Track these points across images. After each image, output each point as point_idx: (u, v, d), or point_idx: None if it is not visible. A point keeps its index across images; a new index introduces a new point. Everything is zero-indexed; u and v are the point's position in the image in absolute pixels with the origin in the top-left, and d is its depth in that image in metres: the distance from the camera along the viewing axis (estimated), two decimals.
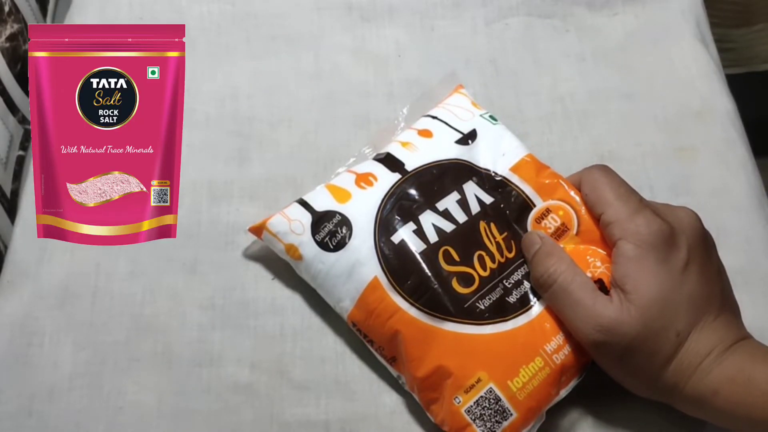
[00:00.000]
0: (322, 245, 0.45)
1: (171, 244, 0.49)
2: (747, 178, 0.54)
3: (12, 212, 0.56)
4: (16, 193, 0.59)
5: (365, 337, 0.45)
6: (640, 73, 0.58)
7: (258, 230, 0.48)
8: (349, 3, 0.60)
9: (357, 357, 0.46)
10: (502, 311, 0.43)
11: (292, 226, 0.46)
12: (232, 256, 0.49)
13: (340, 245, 0.45)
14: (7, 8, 0.60)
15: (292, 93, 0.56)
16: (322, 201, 0.47)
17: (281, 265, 0.48)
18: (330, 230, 0.45)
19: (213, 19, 0.59)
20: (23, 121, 0.61)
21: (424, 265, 0.44)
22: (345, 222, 0.45)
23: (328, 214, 0.46)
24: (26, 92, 0.62)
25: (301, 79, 0.57)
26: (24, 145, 0.61)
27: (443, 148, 0.48)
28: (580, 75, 0.58)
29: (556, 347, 0.42)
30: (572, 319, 0.42)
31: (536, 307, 0.44)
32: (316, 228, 0.46)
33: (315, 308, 0.48)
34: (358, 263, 0.44)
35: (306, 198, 0.47)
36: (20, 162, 0.60)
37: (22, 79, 0.61)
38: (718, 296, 0.42)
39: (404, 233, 0.45)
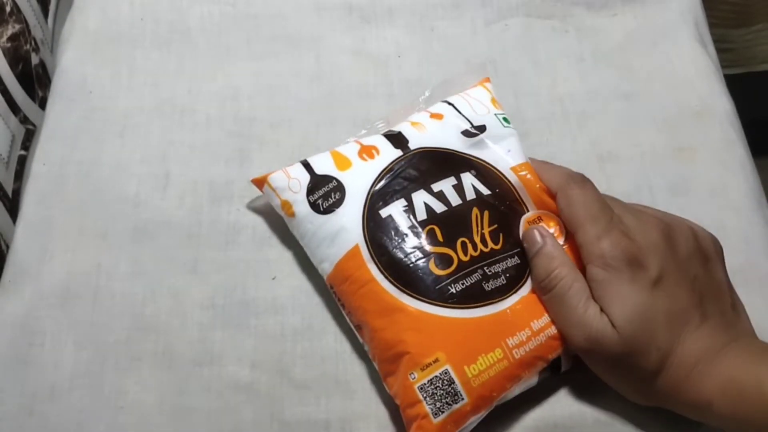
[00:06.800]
0: (314, 206, 0.46)
1: (172, 244, 0.49)
2: (746, 178, 0.54)
3: (14, 212, 0.56)
4: (17, 192, 0.59)
5: (338, 301, 0.46)
6: (639, 73, 0.58)
7: (260, 182, 0.49)
8: (349, 4, 0.60)
9: (357, 357, 0.47)
10: (472, 298, 0.43)
11: (291, 183, 0.47)
12: (233, 255, 0.50)
13: (330, 209, 0.46)
14: (8, 8, 0.60)
15: (293, 94, 0.56)
16: (323, 165, 0.48)
17: (282, 265, 0.49)
18: (323, 193, 0.46)
19: (213, 19, 0.59)
20: (25, 120, 0.61)
21: (405, 242, 0.44)
22: (339, 188, 0.46)
23: (326, 179, 0.47)
24: (27, 92, 0.62)
25: (302, 79, 0.57)
26: (26, 144, 0.61)
27: (449, 135, 0.49)
28: (579, 75, 0.58)
29: (518, 342, 0.42)
30: (565, 324, 0.42)
31: (507, 301, 0.44)
32: (311, 189, 0.47)
33: (315, 308, 0.48)
34: (344, 229, 0.45)
35: (309, 160, 0.49)
36: (22, 161, 0.60)
37: (24, 79, 0.61)
38: (698, 305, 0.42)
39: (393, 208, 0.45)
